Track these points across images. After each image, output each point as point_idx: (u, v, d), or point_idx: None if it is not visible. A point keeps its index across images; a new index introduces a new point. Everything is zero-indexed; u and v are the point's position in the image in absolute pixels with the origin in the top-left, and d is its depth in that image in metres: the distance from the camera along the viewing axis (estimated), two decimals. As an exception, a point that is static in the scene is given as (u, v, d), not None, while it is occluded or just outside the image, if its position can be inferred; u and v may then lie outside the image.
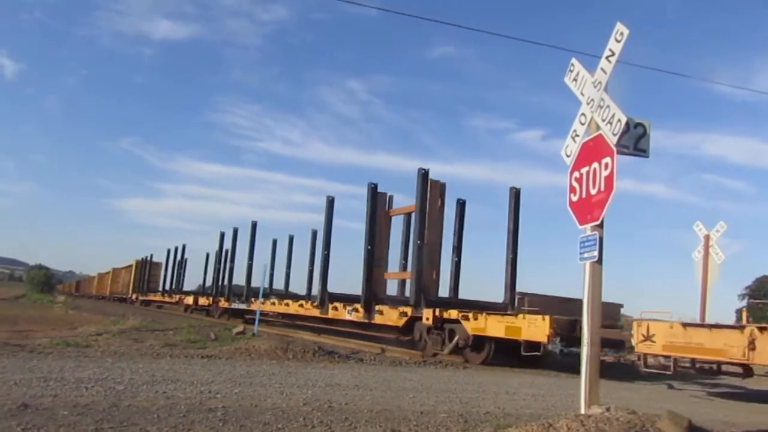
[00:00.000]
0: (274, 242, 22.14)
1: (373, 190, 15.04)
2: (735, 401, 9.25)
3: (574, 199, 4.98)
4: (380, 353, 12.42)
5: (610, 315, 12.22)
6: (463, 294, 14.89)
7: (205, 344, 10.93)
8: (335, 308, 15.65)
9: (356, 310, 14.67)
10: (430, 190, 13.79)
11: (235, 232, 23.36)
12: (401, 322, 13.30)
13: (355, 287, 14.97)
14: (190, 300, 28.15)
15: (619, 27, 4.63)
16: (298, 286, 21.38)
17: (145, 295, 37.67)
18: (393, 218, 15.93)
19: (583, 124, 5.02)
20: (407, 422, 5.20)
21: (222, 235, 24.93)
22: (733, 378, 9.87)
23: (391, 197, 15.98)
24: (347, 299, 15.46)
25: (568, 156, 5.16)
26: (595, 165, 4.71)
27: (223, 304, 23.64)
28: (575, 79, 5.20)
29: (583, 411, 4.44)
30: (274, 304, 19.34)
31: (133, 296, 40.59)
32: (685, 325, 9.22)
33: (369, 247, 14.61)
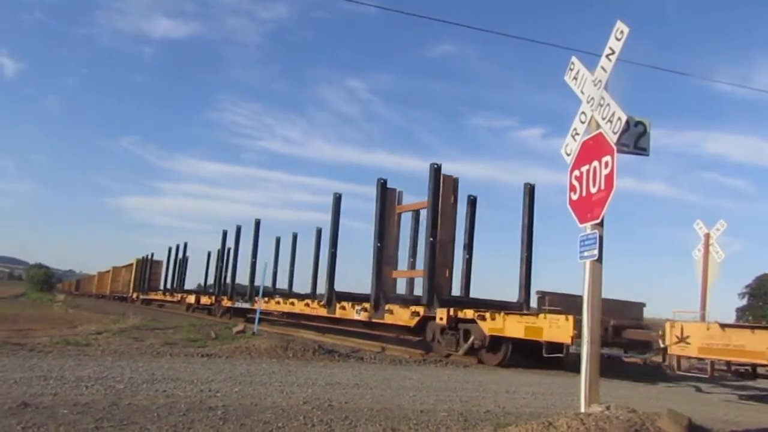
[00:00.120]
0: (278, 240, 21.67)
1: (383, 186, 14.60)
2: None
3: (574, 197, 4.98)
4: (380, 352, 12.41)
5: (634, 314, 11.88)
6: (472, 293, 14.54)
7: (206, 343, 10.93)
8: (343, 308, 15.35)
9: (365, 310, 14.31)
10: (443, 185, 13.37)
11: (239, 230, 23.09)
12: (413, 321, 12.95)
13: (357, 286, 14.83)
14: (192, 299, 28.11)
15: (620, 25, 4.63)
16: (300, 285, 21.26)
17: (146, 294, 37.72)
18: (401, 215, 15.43)
19: (583, 122, 5.01)
20: (407, 421, 5.20)
21: (224, 234, 24.78)
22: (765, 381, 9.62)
23: (400, 193, 15.53)
24: (355, 298, 15.18)
25: (568, 154, 5.16)
26: (596, 163, 4.71)
27: (226, 303, 23.57)
28: (575, 78, 5.19)
29: (583, 409, 4.45)
30: (278, 303, 19.05)
31: (134, 295, 40.67)
32: (723, 326, 8.80)
33: (379, 245, 14.19)
